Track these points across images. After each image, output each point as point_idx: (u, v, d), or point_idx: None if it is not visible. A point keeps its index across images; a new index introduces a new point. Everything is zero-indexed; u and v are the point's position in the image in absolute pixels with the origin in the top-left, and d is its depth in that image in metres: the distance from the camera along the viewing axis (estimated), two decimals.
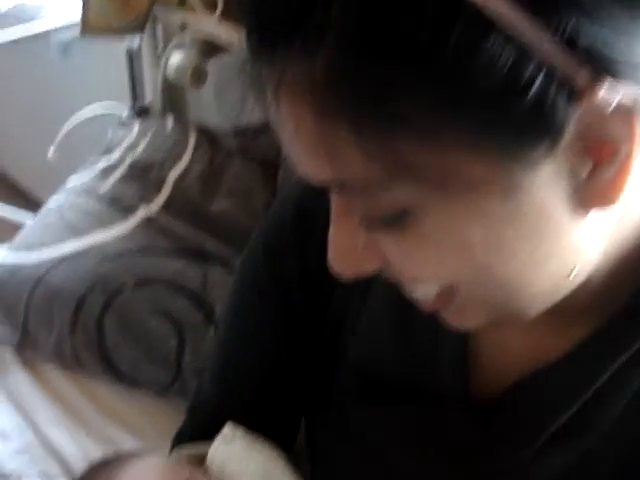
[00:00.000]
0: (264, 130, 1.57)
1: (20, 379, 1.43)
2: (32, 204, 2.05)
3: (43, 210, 1.60)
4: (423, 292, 0.53)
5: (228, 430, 0.82)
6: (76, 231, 1.48)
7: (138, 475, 0.78)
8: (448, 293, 0.50)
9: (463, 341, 0.63)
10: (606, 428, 0.56)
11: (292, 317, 0.77)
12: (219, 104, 1.69)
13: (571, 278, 0.48)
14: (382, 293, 0.69)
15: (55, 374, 1.43)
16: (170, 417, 1.25)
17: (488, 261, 0.46)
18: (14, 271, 1.47)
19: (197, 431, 0.88)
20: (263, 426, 0.82)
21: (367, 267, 0.50)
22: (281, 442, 0.82)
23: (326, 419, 0.79)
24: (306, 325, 0.77)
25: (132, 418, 1.34)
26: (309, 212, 0.72)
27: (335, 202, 0.50)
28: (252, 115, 1.61)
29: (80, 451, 1.31)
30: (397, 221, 0.45)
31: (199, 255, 1.41)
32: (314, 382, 0.79)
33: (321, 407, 0.79)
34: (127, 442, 1.30)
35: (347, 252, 0.50)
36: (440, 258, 0.47)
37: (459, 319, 0.53)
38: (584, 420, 0.57)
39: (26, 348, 1.44)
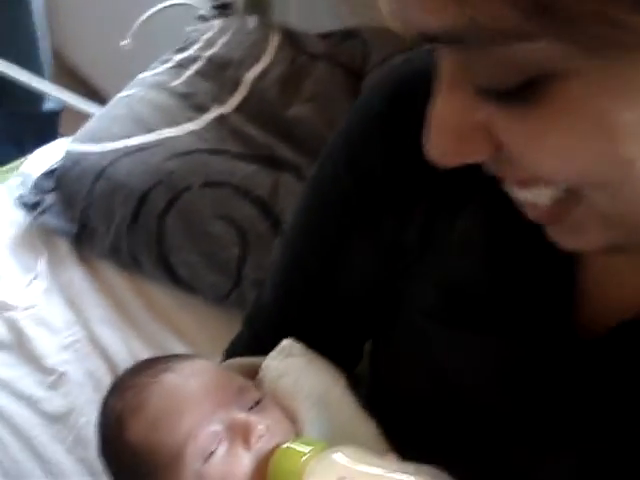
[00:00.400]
0: (352, 35, 1.45)
1: (75, 274, 1.38)
2: (102, 100, 1.97)
3: (112, 102, 1.52)
4: (539, 196, 0.43)
5: (287, 344, 0.75)
6: (144, 125, 1.40)
7: (186, 376, 0.70)
8: (569, 200, 0.41)
9: (570, 268, 0.54)
10: None
11: (366, 220, 0.69)
12: (305, 5, 1.58)
13: None
14: (476, 211, 0.60)
15: (111, 272, 1.37)
16: (225, 327, 1.17)
17: (633, 157, 0.36)
18: (78, 160, 1.40)
19: (252, 343, 0.81)
20: (324, 344, 0.75)
21: (473, 155, 0.41)
22: (342, 363, 0.75)
23: (395, 337, 0.71)
24: (382, 232, 0.68)
25: (185, 325, 1.27)
26: (402, 100, 0.63)
27: (445, 68, 0.40)
28: (340, 20, 1.49)
29: (129, 353, 1.25)
30: (526, 93, 0.36)
31: (271, 161, 1.31)
32: (385, 296, 0.70)
33: (390, 324, 0.71)
34: (178, 349, 1.23)
35: (452, 132, 0.40)
36: (574, 148, 0.37)
37: (573, 238, 0.45)
38: None
39: (83, 242, 1.38)
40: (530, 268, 0.56)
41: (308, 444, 0.64)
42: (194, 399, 0.68)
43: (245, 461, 0.65)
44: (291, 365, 0.73)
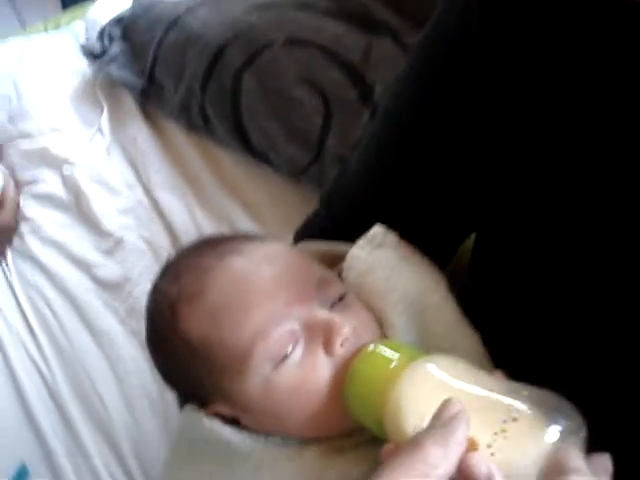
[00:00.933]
0: None
1: (139, 132, 1.25)
2: None
3: None
4: None
5: (378, 232, 0.63)
6: None
7: (257, 260, 0.58)
8: None
9: None
10: None
11: (480, 97, 0.57)
12: None
13: None
14: None
15: (178, 134, 1.24)
16: (299, 205, 1.05)
17: None
18: (150, 7, 1.27)
19: (328, 226, 0.70)
20: (413, 237, 0.64)
21: None
22: (435, 258, 0.64)
23: (499, 232, 0.61)
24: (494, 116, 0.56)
25: (256, 198, 1.14)
26: None
27: None
28: None
29: (192, 223, 1.15)
30: None
31: (366, 22, 1.14)
32: (487, 185, 0.60)
33: (493, 218, 0.61)
34: (245, 224, 1.12)
35: None
36: None
37: None
38: None
39: (150, 98, 1.25)
40: None
41: (397, 349, 0.52)
42: (266, 289, 0.56)
43: (325, 369, 0.54)
44: (383, 258, 0.62)
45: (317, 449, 0.54)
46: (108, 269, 1.15)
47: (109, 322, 1.12)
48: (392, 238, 0.63)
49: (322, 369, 0.54)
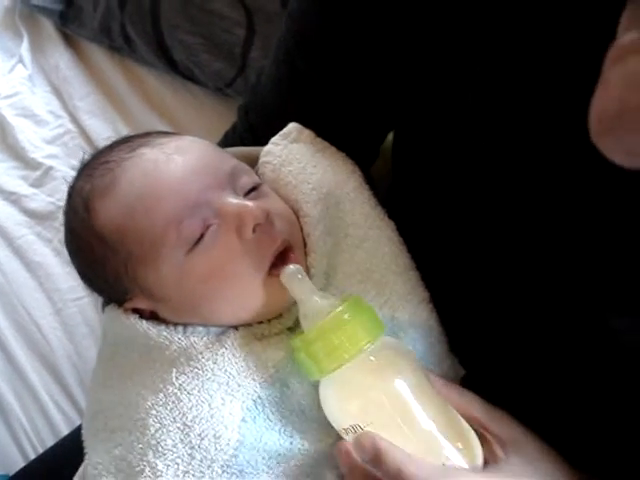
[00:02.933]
0: None
1: (60, 59, 1.22)
2: None
3: None
4: None
5: (293, 127, 0.63)
6: None
7: (168, 152, 0.57)
8: None
9: None
10: None
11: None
12: None
13: None
14: None
15: (101, 56, 1.21)
16: (226, 119, 1.01)
17: None
18: None
19: (247, 136, 0.71)
20: (332, 139, 0.63)
21: None
22: (355, 158, 0.64)
23: (418, 131, 0.60)
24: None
25: (182, 116, 1.12)
26: None
27: None
28: None
29: None
30: None
31: None
32: (403, 87, 0.59)
33: (413, 116, 0.60)
34: None
35: None
36: None
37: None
38: None
39: (69, 22, 1.21)
40: None
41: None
42: (177, 178, 0.55)
43: (238, 253, 0.54)
44: (298, 152, 0.61)
45: (236, 336, 0.54)
46: (39, 200, 1.13)
47: (43, 253, 1.10)
48: (307, 133, 0.63)
49: (235, 253, 0.54)
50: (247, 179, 0.58)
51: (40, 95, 1.20)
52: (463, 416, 0.52)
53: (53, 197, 1.13)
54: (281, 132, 0.63)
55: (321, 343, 0.48)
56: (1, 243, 1.11)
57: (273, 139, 0.63)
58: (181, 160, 0.56)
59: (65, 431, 0.99)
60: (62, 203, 1.06)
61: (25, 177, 1.15)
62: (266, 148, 0.63)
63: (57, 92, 1.19)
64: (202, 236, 0.54)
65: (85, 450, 0.57)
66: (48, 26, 1.24)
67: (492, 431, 0.52)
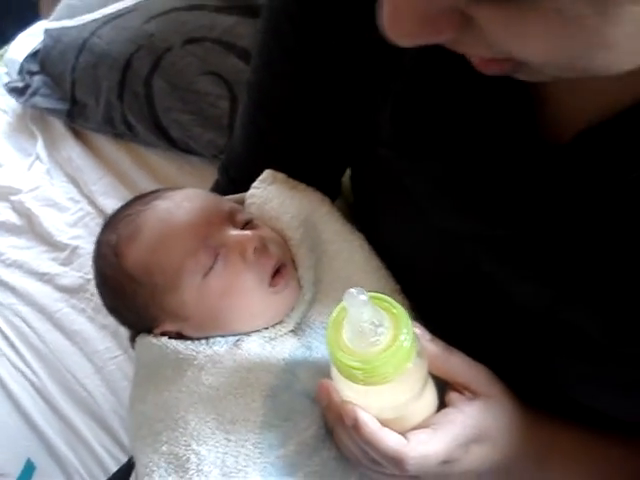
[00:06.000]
0: None
1: (72, 151, 1.38)
2: None
3: None
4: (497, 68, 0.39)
5: (268, 173, 0.75)
6: None
7: (177, 201, 0.71)
8: (521, 64, 0.37)
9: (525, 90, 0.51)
10: None
11: (324, 51, 0.65)
12: None
13: None
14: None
15: (107, 144, 1.37)
16: None
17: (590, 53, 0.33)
18: (59, 37, 1.38)
19: (229, 190, 0.80)
20: (301, 179, 0.75)
21: (437, 36, 0.36)
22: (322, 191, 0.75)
23: (367, 167, 0.70)
24: (340, 63, 0.65)
25: (186, 184, 1.25)
26: None
27: None
28: None
29: None
30: None
31: (252, 10, 1.27)
32: (352, 127, 0.69)
33: (363, 155, 0.70)
34: None
35: (415, 16, 0.34)
36: (547, 38, 0.33)
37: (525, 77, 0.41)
38: None
39: (76, 118, 1.38)
40: (485, 93, 0.52)
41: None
42: (188, 220, 0.68)
43: (243, 273, 0.66)
44: (275, 191, 0.74)
45: (249, 341, 0.66)
46: (69, 276, 1.27)
47: (79, 322, 1.24)
48: (280, 176, 0.75)
49: (241, 273, 0.66)
50: (242, 215, 0.71)
51: (58, 185, 1.36)
52: (446, 373, 0.58)
53: (81, 272, 1.27)
54: (259, 178, 0.75)
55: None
56: (42, 318, 1.26)
57: (253, 184, 0.75)
58: (189, 205, 0.69)
59: None
60: (90, 276, 1.23)
61: (55, 258, 1.30)
62: (249, 192, 0.75)
63: (73, 180, 1.35)
64: (214, 263, 0.66)
65: (134, 459, 0.65)
66: (58, 124, 1.41)
67: (473, 389, 0.58)
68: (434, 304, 0.65)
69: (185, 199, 0.71)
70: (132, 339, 0.73)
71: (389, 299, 0.54)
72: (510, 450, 0.59)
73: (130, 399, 0.70)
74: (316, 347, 0.66)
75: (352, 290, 0.49)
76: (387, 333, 0.51)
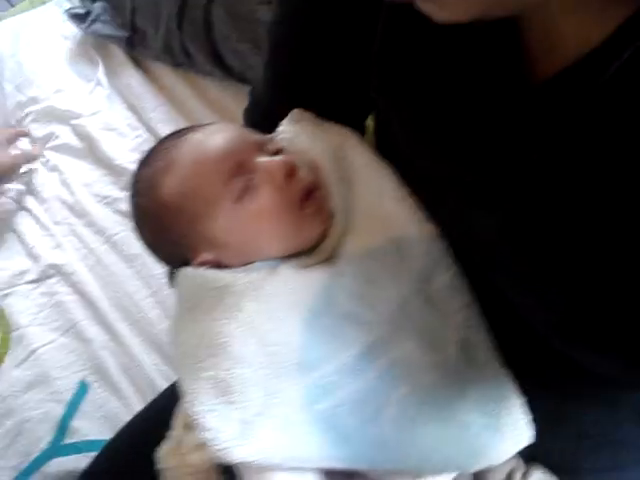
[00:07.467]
0: None
1: (132, 78, 1.40)
2: None
3: None
4: None
5: (296, 111, 0.76)
6: None
7: (209, 132, 0.72)
8: None
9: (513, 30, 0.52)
10: None
11: None
12: None
13: None
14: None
15: (166, 72, 1.38)
16: None
17: None
18: None
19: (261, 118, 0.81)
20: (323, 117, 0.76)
21: None
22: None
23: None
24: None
25: (241, 114, 1.27)
26: None
27: None
28: None
29: None
30: None
31: None
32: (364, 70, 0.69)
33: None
34: None
35: None
36: None
37: (441, 12, 0.43)
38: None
39: (136, 46, 1.39)
40: (470, 32, 0.53)
41: None
42: (220, 149, 0.69)
43: (277, 196, 0.68)
44: (304, 127, 0.75)
45: (286, 267, 0.68)
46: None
47: (137, 246, 1.27)
48: (308, 114, 0.75)
49: (272, 196, 0.67)
50: (273, 144, 0.72)
51: (118, 111, 1.38)
52: None
53: None
54: (287, 117, 0.75)
55: None
56: (101, 240, 1.30)
57: (282, 122, 0.75)
58: (221, 136, 0.71)
59: None
60: None
61: (115, 182, 1.33)
62: (278, 129, 0.76)
63: (132, 107, 1.38)
64: (246, 187, 0.67)
65: (180, 387, 0.65)
66: (118, 51, 1.43)
67: None
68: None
69: (217, 131, 0.72)
70: (170, 276, 0.75)
71: None
72: None
73: (173, 330, 0.71)
74: (350, 273, 0.67)
75: None
76: None
